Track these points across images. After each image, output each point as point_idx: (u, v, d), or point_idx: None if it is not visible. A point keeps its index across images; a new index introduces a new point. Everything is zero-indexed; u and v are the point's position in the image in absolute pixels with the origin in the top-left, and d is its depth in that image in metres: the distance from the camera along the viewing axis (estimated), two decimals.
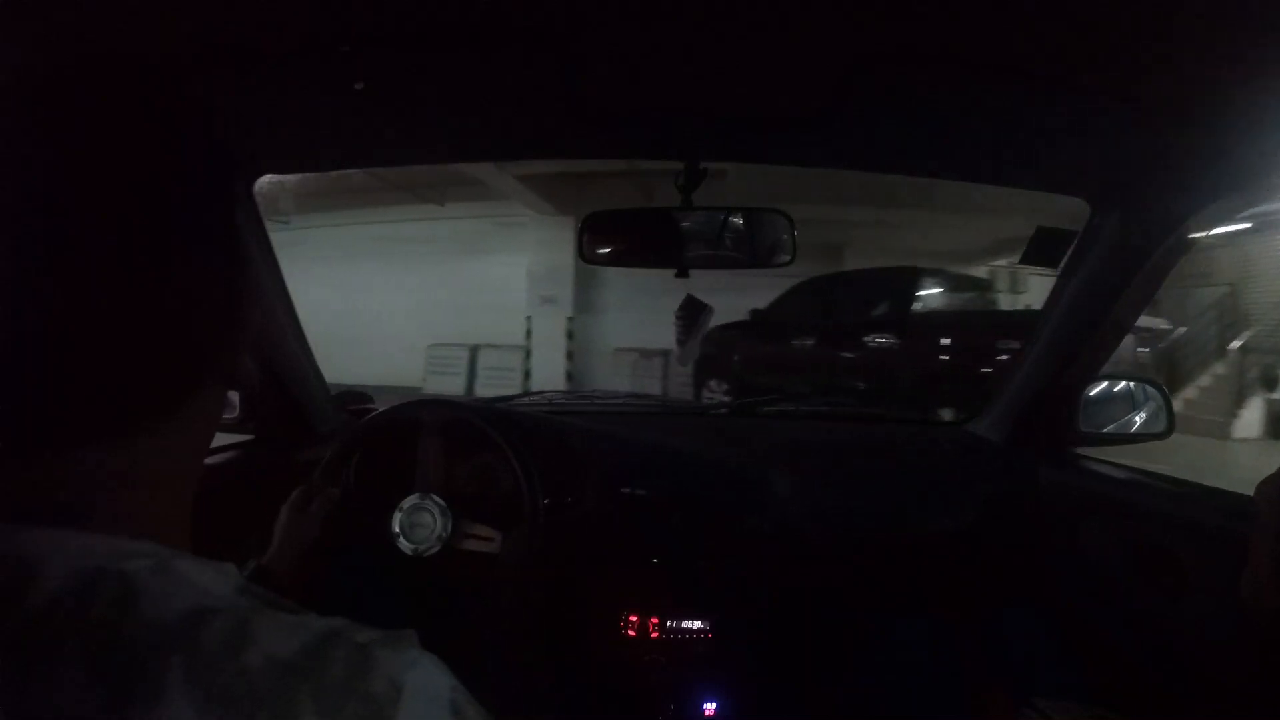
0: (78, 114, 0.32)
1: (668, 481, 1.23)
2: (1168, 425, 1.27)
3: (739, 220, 1.13)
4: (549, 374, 9.25)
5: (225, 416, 1.22)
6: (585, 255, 1.13)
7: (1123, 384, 1.30)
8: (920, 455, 1.38)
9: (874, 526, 1.26)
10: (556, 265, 9.29)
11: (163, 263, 0.33)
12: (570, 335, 9.65)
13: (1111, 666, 1.07)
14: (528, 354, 9.70)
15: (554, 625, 1.17)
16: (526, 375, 9.57)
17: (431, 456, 1.16)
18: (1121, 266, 1.07)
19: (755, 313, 6.41)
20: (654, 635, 1.16)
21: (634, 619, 1.17)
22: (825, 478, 1.29)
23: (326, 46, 0.67)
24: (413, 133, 0.98)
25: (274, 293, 1.18)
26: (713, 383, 6.24)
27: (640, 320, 8.79)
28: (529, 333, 9.66)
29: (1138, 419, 1.29)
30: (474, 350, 9.91)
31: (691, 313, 1.24)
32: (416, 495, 1.07)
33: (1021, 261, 1.18)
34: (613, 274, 9.14)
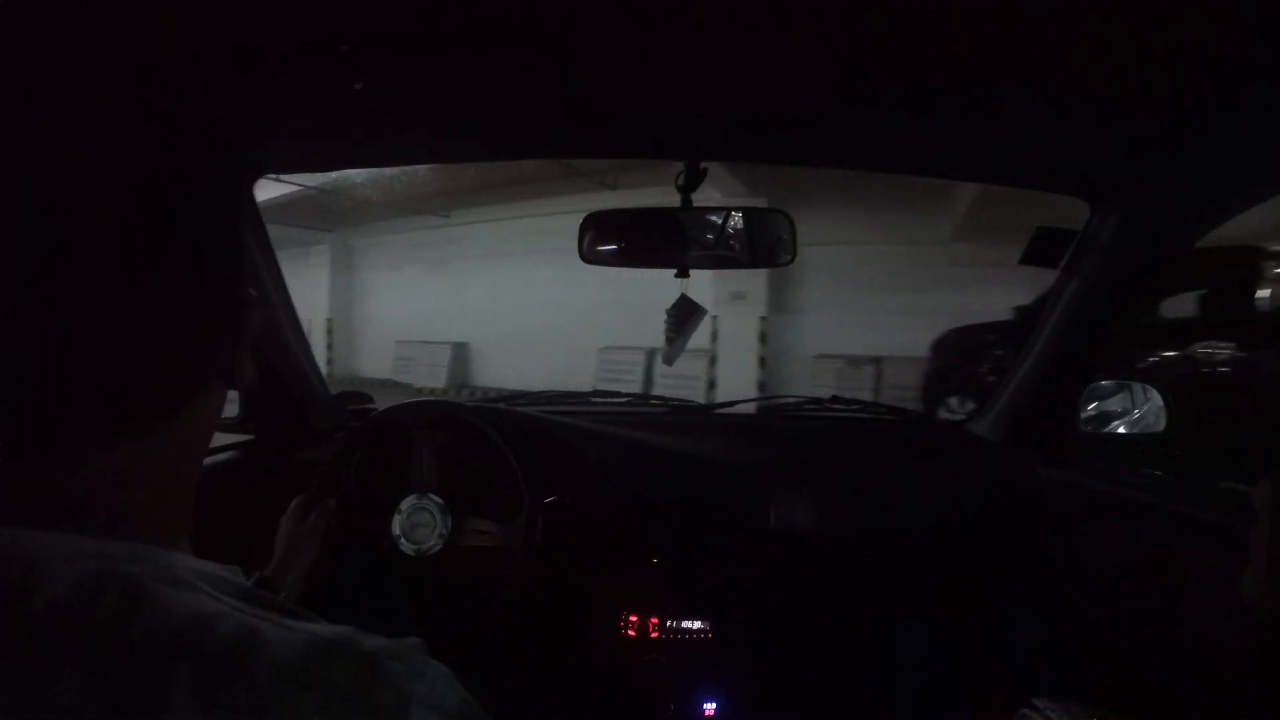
0: (78, 114, 0.32)
1: (667, 481, 1.23)
2: (1167, 425, 1.27)
3: (739, 220, 1.13)
4: (738, 383, 7.69)
5: (225, 416, 1.22)
6: (585, 255, 1.13)
7: (1122, 384, 1.30)
8: (920, 455, 1.38)
9: (874, 526, 1.26)
10: None
11: (163, 263, 0.33)
12: (763, 338, 8.29)
13: (1111, 666, 1.07)
14: (713, 360, 8.43)
15: (554, 625, 1.17)
16: (711, 385, 8.26)
17: (429, 457, 1.16)
18: (1121, 266, 1.07)
19: (1021, 310, 4.48)
20: (654, 635, 1.16)
21: (634, 619, 1.17)
22: (825, 477, 1.29)
23: (326, 46, 0.67)
24: (413, 133, 0.98)
25: (274, 292, 1.18)
26: (953, 400, 4.76)
27: (847, 321, 7.78)
28: (715, 334, 8.34)
29: (1138, 420, 1.29)
30: (650, 354, 8.77)
31: (683, 313, 1.23)
32: (415, 496, 1.07)
33: (1021, 262, 1.17)
34: (812, 268, 7.75)
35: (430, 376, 10.26)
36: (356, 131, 0.95)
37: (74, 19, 0.55)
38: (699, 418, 1.53)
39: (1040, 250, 1.15)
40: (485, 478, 1.14)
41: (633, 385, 8.39)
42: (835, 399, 1.57)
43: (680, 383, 7.89)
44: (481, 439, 1.09)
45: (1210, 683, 0.89)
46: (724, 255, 1.14)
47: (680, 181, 1.04)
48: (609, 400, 1.61)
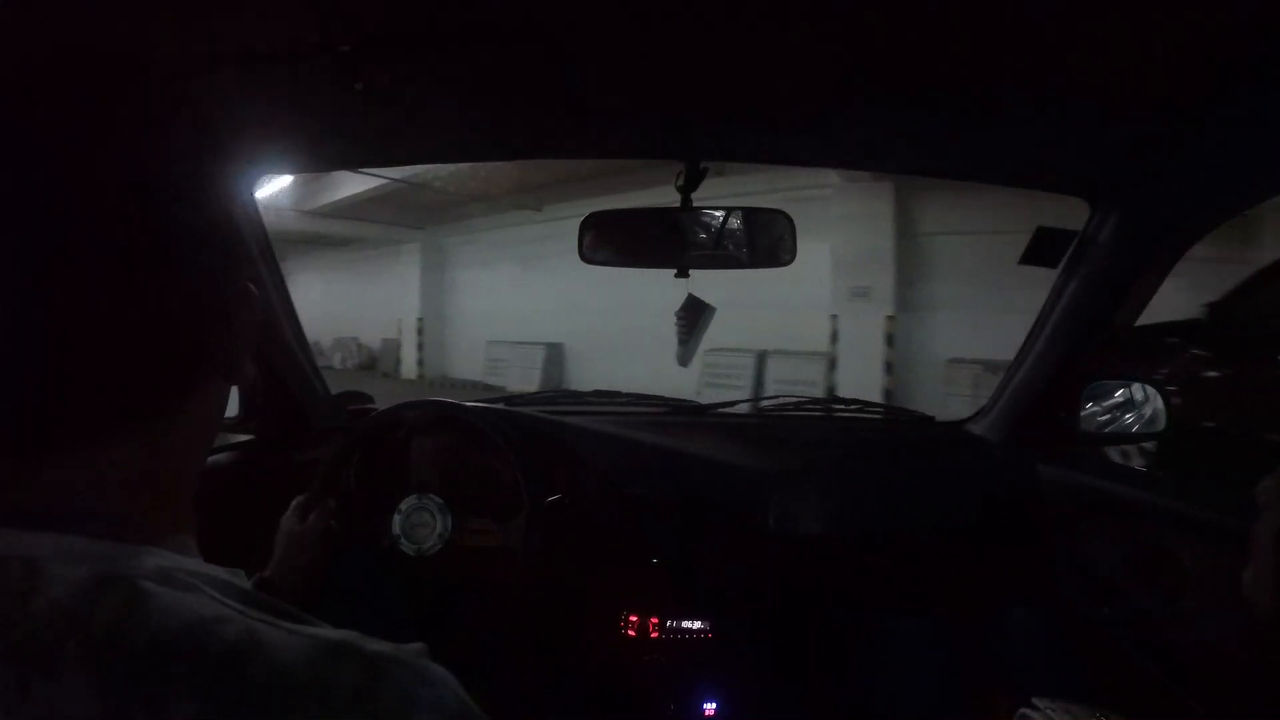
0: (77, 114, 0.32)
1: (668, 481, 1.23)
2: (1166, 424, 1.27)
3: (738, 220, 1.13)
4: (861, 389, 6.31)
5: (225, 417, 1.22)
6: (584, 255, 1.13)
7: (1122, 384, 1.30)
8: (920, 454, 1.38)
9: (873, 526, 1.26)
10: (871, 248, 7.12)
11: (163, 263, 0.33)
12: (890, 340, 7.36)
13: (1111, 666, 1.07)
14: (833, 364, 7.63)
15: (554, 625, 1.17)
16: (831, 391, 7.28)
17: (429, 457, 1.16)
18: (1121, 266, 1.07)
19: (1213, 308, 3.49)
20: (654, 635, 1.16)
21: (634, 619, 1.17)
22: (824, 477, 1.29)
23: (326, 46, 0.67)
24: (413, 133, 0.98)
25: (274, 293, 1.18)
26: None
27: (986, 321, 6.65)
28: (834, 336, 7.56)
29: (1137, 419, 1.29)
30: (761, 357, 8.09)
31: (692, 314, 1.23)
32: (415, 496, 1.07)
33: (1021, 261, 1.17)
34: (946, 261, 7.05)
35: (523, 379, 9.83)
36: (356, 131, 0.95)
37: (74, 19, 0.55)
38: (698, 418, 1.53)
39: (1040, 250, 1.15)
40: (485, 478, 1.14)
41: (741, 391, 7.63)
42: (835, 398, 1.57)
43: (791, 389, 7.08)
44: (482, 439, 1.09)
45: (1210, 683, 0.89)
46: (724, 255, 1.15)
47: (680, 182, 1.04)
48: (609, 400, 1.61)
